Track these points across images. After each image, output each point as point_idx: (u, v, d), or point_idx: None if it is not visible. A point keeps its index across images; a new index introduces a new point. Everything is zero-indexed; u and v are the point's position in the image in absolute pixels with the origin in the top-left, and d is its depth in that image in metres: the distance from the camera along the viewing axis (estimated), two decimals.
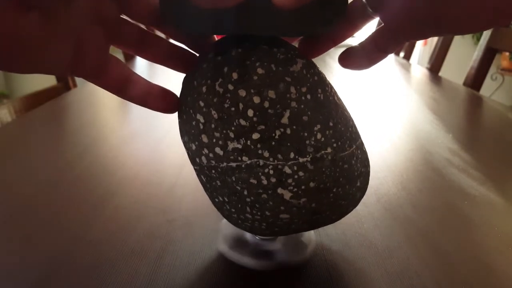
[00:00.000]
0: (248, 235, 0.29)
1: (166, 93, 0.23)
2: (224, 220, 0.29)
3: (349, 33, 0.24)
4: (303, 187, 0.21)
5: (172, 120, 0.24)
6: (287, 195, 0.21)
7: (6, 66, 0.16)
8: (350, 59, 0.24)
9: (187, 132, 0.23)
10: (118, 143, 0.49)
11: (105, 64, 0.21)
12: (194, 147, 0.22)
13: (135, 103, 0.23)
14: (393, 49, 0.23)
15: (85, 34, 0.19)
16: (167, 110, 0.23)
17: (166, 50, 0.23)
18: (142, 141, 0.49)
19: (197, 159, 0.23)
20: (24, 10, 0.15)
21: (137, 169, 0.41)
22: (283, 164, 0.20)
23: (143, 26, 0.23)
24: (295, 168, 0.21)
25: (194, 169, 0.24)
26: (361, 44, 0.24)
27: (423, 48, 2.44)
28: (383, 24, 0.22)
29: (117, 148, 0.47)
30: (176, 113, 0.24)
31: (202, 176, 0.23)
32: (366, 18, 0.22)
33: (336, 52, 0.26)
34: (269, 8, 0.19)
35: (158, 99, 0.23)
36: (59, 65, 0.18)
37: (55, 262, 0.27)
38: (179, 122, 0.23)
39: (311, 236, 0.30)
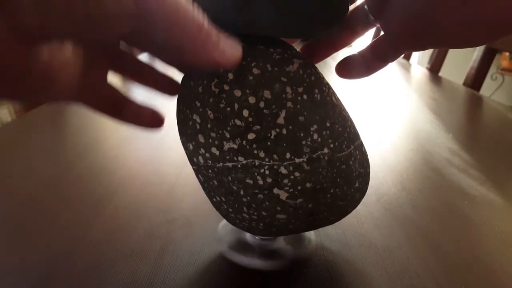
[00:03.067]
0: (248, 235, 0.29)
1: (154, 114, 0.25)
2: (224, 220, 0.29)
3: (350, 39, 0.24)
4: (299, 187, 0.21)
5: (172, 120, 0.24)
6: (283, 195, 0.21)
7: (10, 96, 0.17)
8: (348, 69, 0.24)
9: (184, 132, 0.23)
10: (118, 143, 0.49)
11: (102, 91, 0.22)
12: (191, 147, 0.22)
13: (126, 124, 0.24)
14: (393, 58, 0.23)
15: (88, 64, 0.19)
16: (156, 128, 0.25)
17: (156, 77, 0.25)
18: (142, 141, 0.49)
19: (194, 159, 0.23)
20: (31, 43, 0.15)
21: (137, 169, 0.41)
22: (279, 164, 0.20)
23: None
24: (291, 168, 0.21)
25: (193, 168, 0.24)
26: (360, 52, 0.24)
27: None
28: (383, 33, 0.22)
29: (117, 148, 0.47)
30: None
31: (200, 176, 0.23)
32: (367, 25, 0.22)
33: (337, 53, 0.26)
34: (270, 8, 0.19)
35: (147, 120, 0.24)
36: (62, 95, 0.18)
37: (55, 262, 0.27)
38: (177, 122, 0.24)
39: (310, 235, 0.30)
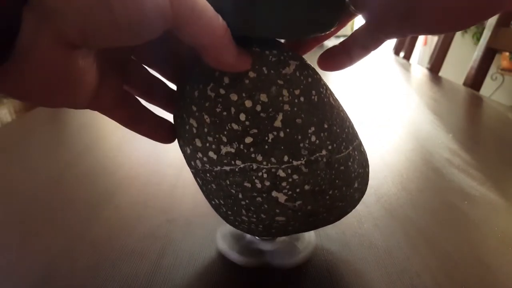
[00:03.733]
0: (248, 235, 0.29)
1: (169, 129, 0.24)
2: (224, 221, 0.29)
3: (333, 31, 0.24)
4: (297, 190, 0.21)
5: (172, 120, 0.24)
6: (281, 198, 0.21)
7: (44, 101, 0.17)
8: (330, 61, 0.24)
9: (182, 135, 0.23)
10: (118, 143, 0.49)
11: (119, 100, 0.22)
12: (188, 150, 0.22)
13: (142, 135, 0.24)
14: (374, 46, 0.23)
15: (106, 71, 0.20)
16: (169, 143, 0.25)
17: (167, 94, 0.25)
18: (142, 141, 0.49)
19: (192, 163, 0.23)
20: (72, 51, 0.15)
21: (137, 169, 0.41)
22: (277, 167, 0.20)
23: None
24: (289, 171, 0.20)
25: (191, 171, 0.24)
26: (342, 42, 0.24)
27: (423, 48, 2.44)
28: (364, 22, 0.22)
29: (117, 148, 0.47)
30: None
31: (198, 179, 0.23)
32: (349, 15, 0.23)
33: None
34: (269, 10, 0.19)
35: (164, 134, 0.24)
36: (83, 101, 0.19)
37: (55, 262, 0.27)
38: (175, 125, 0.24)
39: (311, 235, 0.30)
